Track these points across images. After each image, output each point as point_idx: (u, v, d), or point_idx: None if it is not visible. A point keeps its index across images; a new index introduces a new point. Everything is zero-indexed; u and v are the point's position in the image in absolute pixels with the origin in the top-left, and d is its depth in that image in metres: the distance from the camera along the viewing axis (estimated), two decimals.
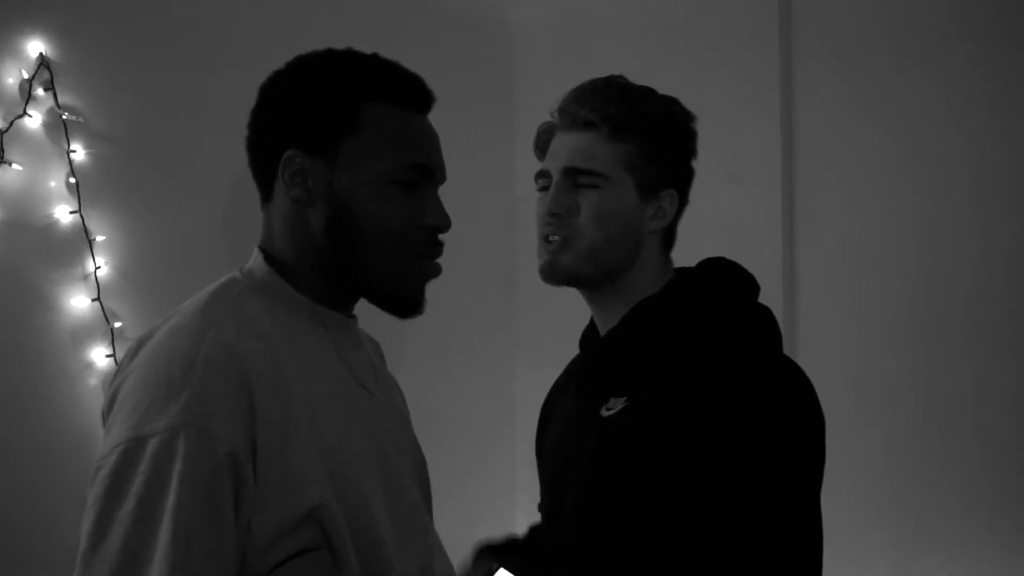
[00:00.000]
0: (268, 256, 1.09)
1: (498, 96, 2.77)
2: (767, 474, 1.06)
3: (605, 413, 1.17)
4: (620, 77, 1.23)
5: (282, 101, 1.08)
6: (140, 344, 1.04)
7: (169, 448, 0.89)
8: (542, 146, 1.25)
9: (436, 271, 1.11)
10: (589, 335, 1.31)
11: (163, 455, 0.89)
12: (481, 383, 2.70)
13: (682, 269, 1.26)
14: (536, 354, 2.68)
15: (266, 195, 1.11)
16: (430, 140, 1.12)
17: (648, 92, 1.22)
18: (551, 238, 1.19)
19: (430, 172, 1.09)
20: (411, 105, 1.10)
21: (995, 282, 1.87)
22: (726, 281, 1.22)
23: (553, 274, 1.20)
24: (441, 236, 1.11)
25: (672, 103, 1.23)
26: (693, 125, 1.24)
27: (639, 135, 1.18)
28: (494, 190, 2.73)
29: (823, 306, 2.08)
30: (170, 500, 0.88)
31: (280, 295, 1.07)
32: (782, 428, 1.08)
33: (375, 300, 1.10)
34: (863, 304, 2.05)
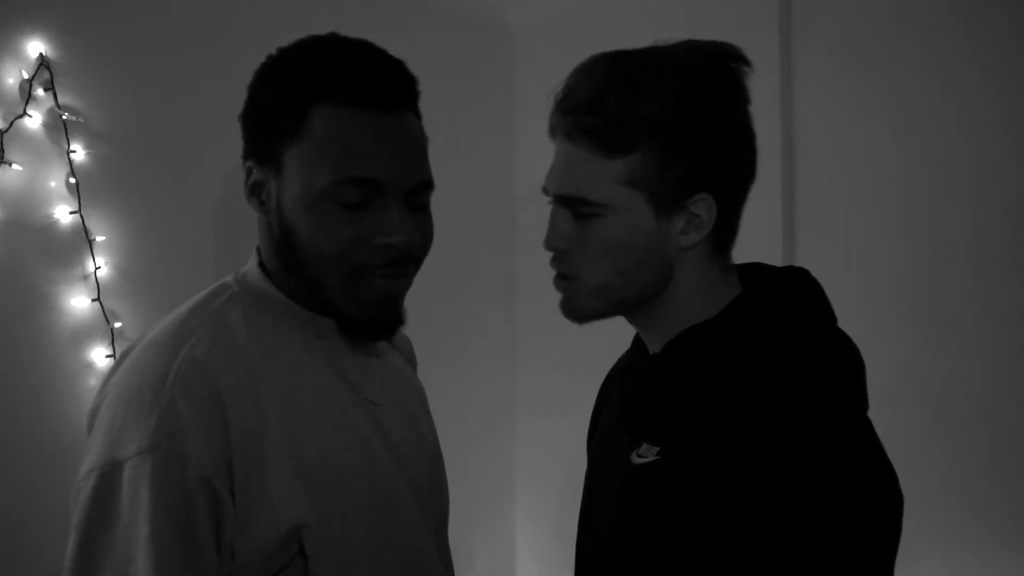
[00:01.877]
0: (262, 261, 1.03)
1: (498, 96, 2.77)
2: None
3: (636, 460, 0.97)
4: (621, 57, 0.95)
5: (245, 111, 1.01)
6: (124, 356, 1.01)
7: (139, 473, 0.87)
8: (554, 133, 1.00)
9: (397, 289, 0.99)
10: (640, 344, 1.09)
11: (135, 481, 0.86)
12: (481, 383, 2.69)
13: (750, 285, 1.01)
14: (536, 354, 2.69)
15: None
16: (382, 145, 0.95)
17: (657, 71, 0.92)
18: (559, 274, 0.99)
19: (375, 185, 0.94)
20: (366, 103, 0.94)
21: (997, 282, 1.86)
22: (799, 308, 0.98)
23: (569, 315, 1.00)
24: (419, 247, 0.99)
25: (695, 74, 0.92)
26: (742, 83, 0.94)
27: (642, 142, 0.91)
28: (494, 190, 2.72)
29: None
30: (145, 529, 0.85)
31: (272, 303, 1.01)
32: (846, 514, 0.86)
33: (337, 320, 1.01)
34: (864, 304, 2.04)
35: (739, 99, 0.96)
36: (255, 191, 0.99)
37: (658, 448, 0.95)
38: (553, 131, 0.99)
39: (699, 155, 0.93)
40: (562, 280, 0.99)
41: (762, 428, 0.88)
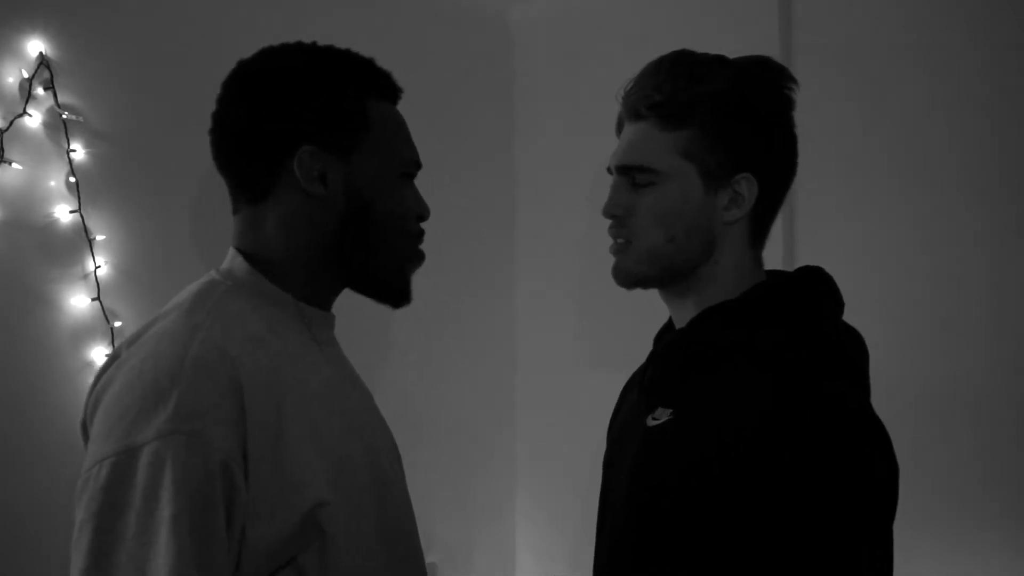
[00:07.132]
0: (248, 256, 1.07)
1: (498, 96, 2.77)
2: (817, 532, 0.91)
3: (651, 423, 1.06)
4: (685, 52, 1.09)
5: (286, 99, 1.05)
6: (124, 349, 1.01)
7: (160, 457, 0.86)
8: (619, 134, 1.14)
9: (423, 259, 1.15)
10: (664, 333, 1.20)
11: (155, 464, 0.86)
12: (481, 383, 2.70)
13: (773, 276, 1.13)
14: (536, 354, 2.69)
15: (259, 194, 1.08)
16: (409, 132, 1.16)
17: (716, 64, 1.07)
18: (616, 240, 1.10)
19: (419, 164, 1.14)
20: (395, 99, 1.13)
21: (997, 282, 1.86)
22: (814, 297, 1.09)
23: (618, 277, 1.11)
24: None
25: (747, 70, 1.07)
26: (787, 92, 1.08)
27: (698, 118, 1.04)
28: (494, 190, 2.72)
29: None
30: (167, 511, 0.85)
31: (265, 294, 1.05)
32: (844, 476, 0.93)
33: (374, 291, 1.12)
34: (864, 304, 2.04)
35: (783, 101, 1.09)
36: (312, 174, 1.06)
37: (671, 411, 1.05)
38: (620, 121, 1.12)
39: (744, 138, 1.06)
40: (617, 246, 1.10)
41: (763, 399, 0.95)
